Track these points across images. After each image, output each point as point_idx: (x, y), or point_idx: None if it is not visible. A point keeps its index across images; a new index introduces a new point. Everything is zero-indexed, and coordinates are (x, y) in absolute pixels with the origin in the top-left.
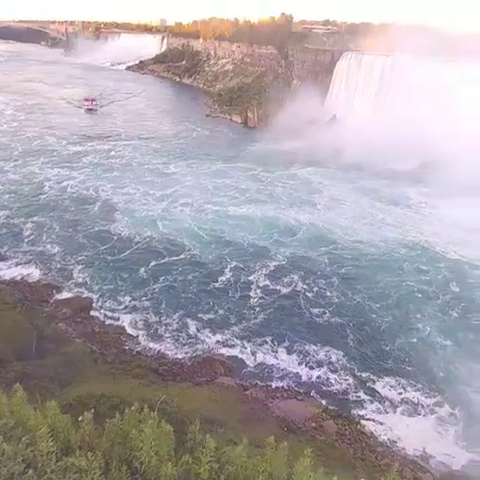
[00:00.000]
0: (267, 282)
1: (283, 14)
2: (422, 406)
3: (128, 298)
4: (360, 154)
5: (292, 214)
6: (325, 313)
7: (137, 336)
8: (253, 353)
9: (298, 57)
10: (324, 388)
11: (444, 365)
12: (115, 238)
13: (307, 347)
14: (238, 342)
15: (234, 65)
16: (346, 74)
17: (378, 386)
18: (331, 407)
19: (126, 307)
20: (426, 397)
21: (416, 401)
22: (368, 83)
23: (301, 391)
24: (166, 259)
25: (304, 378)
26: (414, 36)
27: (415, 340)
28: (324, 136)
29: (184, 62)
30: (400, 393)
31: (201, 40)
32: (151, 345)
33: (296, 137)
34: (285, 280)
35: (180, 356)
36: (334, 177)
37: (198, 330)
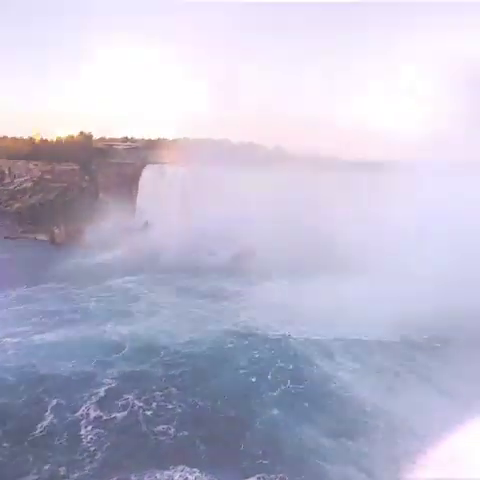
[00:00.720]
0: (99, 412)
1: (82, 132)
2: None
3: None
4: (176, 256)
5: (111, 329)
6: (170, 429)
7: None
8: None
9: (102, 171)
10: None
11: (293, 442)
12: None
13: (159, 475)
14: None
15: (33, 182)
16: (151, 184)
17: None
18: None
19: None
20: None
21: None
22: (172, 189)
23: None
24: None
25: None
26: (203, 148)
27: (262, 427)
28: (138, 243)
29: None
30: None
31: None
32: None
33: (109, 248)
34: (120, 404)
35: None
36: (151, 282)
37: None
